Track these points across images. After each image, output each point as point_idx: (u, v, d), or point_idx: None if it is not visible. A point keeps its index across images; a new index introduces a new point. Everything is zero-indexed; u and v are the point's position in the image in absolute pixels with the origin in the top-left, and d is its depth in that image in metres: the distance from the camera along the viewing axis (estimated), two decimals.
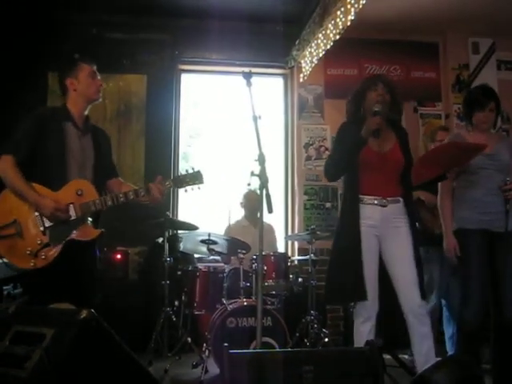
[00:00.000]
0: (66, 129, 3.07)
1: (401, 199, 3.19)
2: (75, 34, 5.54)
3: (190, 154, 6.40)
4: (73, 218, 2.96)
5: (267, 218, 5.03)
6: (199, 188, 3.15)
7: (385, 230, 3.14)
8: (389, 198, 3.14)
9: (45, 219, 2.96)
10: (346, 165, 3.15)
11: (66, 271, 2.91)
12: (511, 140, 3.69)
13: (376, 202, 3.13)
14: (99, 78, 3.20)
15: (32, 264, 2.89)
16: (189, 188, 3.14)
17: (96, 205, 2.98)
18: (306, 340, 4.47)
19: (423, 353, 3.06)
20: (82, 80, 3.13)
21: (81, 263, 3.01)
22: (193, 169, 3.15)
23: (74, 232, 2.97)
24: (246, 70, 2.87)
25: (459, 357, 2.91)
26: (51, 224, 2.96)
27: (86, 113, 3.21)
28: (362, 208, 3.12)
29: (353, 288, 3.06)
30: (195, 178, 3.12)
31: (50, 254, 2.92)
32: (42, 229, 2.95)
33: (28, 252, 2.90)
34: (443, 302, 4.30)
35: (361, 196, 3.14)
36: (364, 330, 3.06)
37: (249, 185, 2.61)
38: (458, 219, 3.42)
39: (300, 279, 4.57)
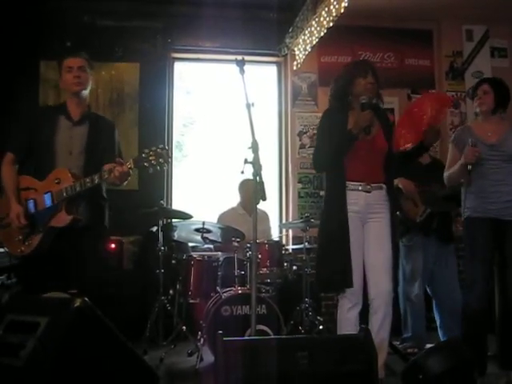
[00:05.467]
0: (58, 122, 3.28)
1: (384, 186, 3.18)
2: (67, 22, 5.49)
3: (183, 143, 6.39)
4: (49, 205, 3.14)
5: (262, 206, 5.05)
6: (165, 167, 3.10)
7: (367, 215, 3.13)
8: (373, 184, 3.13)
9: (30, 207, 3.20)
10: (337, 159, 3.12)
11: (53, 258, 3.12)
12: None
13: (360, 187, 3.11)
14: (79, 66, 3.28)
15: (19, 251, 3.18)
16: (152, 167, 3.05)
17: (67, 191, 3.10)
18: (300, 327, 4.50)
19: (381, 336, 3.03)
20: (62, 76, 3.34)
21: (70, 251, 3.15)
22: (159, 147, 3.09)
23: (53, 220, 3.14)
24: (239, 57, 2.86)
25: (452, 343, 2.93)
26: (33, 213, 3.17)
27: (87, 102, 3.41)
28: (347, 194, 3.10)
29: (340, 276, 3.04)
30: (159, 155, 3.03)
31: (33, 242, 3.15)
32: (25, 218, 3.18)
33: (17, 240, 3.19)
34: (429, 290, 4.33)
35: (346, 182, 3.11)
36: (351, 317, 3.05)
37: (242, 172, 2.60)
38: (466, 208, 3.46)
39: (294, 267, 4.58)
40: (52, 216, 3.14)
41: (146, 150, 3.06)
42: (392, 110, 5.91)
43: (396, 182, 4.04)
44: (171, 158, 3.15)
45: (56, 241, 3.14)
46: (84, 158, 3.25)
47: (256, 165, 2.56)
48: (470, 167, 3.35)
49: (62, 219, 3.13)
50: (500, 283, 3.43)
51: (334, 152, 3.11)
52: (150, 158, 3.03)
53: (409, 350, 4.13)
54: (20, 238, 3.18)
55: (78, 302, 1.89)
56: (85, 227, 3.18)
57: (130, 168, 3.07)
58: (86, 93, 3.37)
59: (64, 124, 3.28)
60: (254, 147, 2.59)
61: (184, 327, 4.26)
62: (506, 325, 3.43)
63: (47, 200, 3.14)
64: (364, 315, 3.13)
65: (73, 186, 3.09)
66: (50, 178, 3.17)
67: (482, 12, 5.71)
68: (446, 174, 3.60)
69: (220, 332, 2.22)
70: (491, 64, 6.04)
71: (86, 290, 2.98)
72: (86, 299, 1.93)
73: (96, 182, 3.09)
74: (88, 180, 3.09)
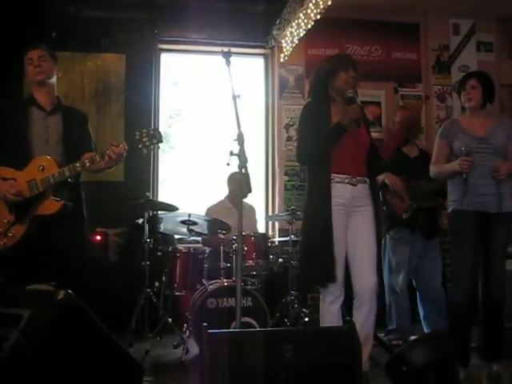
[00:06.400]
0: (30, 113, 3.26)
1: (367, 180, 3.20)
2: (53, 12, 5.42)
3: (170, 134, 6.36)
4: (34, 193, 3.08)
5: (249, 199, 5.05)
6: (159, 147, 3.12)
7: (352, 208, 3.13)
8: (358, 178, 3.14)
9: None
10: (324, 152, 3.12)
11: (39, 249, 3.05)
12: (510, 122, 3.67)
13: (347, 180, 3.11)
14: (38, 56, 3.30)
15: (2, 243, 3.05)
16: (146, 148, 3.08)
17: (55, 178, 3.07)
18: (286, 320, 4.51)
19: (365, 329, 3.05)
20: (25, 71, 3.36)
21: (56, 241, 3.10)
22: (151, 128, 3.14)
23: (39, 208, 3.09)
24: (226, 49, 2.85)
25: (435, 335, 2.95)
26: (16, 202, 3.08)
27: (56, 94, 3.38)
28: (333, 186, 3.09)
29: (323, 270, 3.05)
30: (152, 136, 3.07)
31: (17, 232, 3.06)
32: (7, 208, 3.09)
33: None
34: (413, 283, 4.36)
35: (332, 175, 3.10)
36: (333, 311, 3.05)
37: (228, 165, 2.60)
38: (452, 201, 3.48)
39: (280, 259, 4.59)
40: (38, 204, 3.09)
41: (138, 132, 3.07)
42: (379, 104, 5.93)
43: (383, 177, 4.07)
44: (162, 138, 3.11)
45: (40, 230, 3.09)
46: (62, 146, 3.24)
47: (241, 157, 2.56)
48: (465, 175, 3.37)
49: (51, 206, 3.09)
50: (484, 276, 3.46)
51: (322, 144, 3.11)
52: (144, 139, 3.05)
53: (393, 342, 4.16)
54: (0, 230, 3.09)
55: (61, 295, 1.88)
56: (67, 215, 3.14)
57: (124, 149, 3.07)
58: (51, 82, 3.35)
59: (37, 114, 3.26)
60: (240, 139, 2.59)
61: (170, 319, 4.25)
62: (489, 317, 3.47)
63: (31, 188, 3.08)
64: (348, 308, 3.15)
65: (61, 171, 3.07)
66: (31, 166, 3.11)
67: (469, 6, 5.74)
68: (433, 169, 3.61)
69: (205, 324, 2.22)
70: (477, 58, 6.07)
71: (69, 278, 3.04)
72: (70, 291, 1.92)
73: (87, 165, 3.07)
74: (78, 164, 3.07)
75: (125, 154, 3.12)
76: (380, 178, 4.07)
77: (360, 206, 3.15)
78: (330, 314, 3.06)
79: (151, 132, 3.07)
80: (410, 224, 4.12)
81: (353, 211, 3.14)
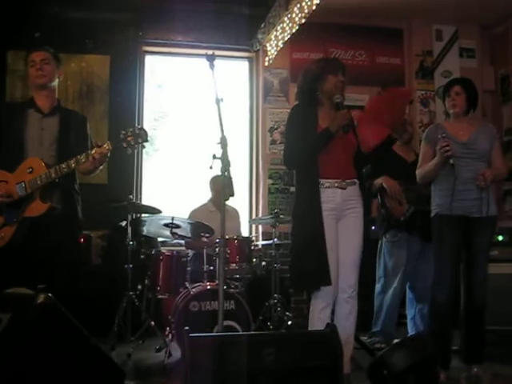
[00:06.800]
0: (27, 115, 3.25)
1: (356, 181, 3.21)
2: (37, 12, 5.39)
3: (155, 137, 6.34)
4: (23, 195, 3.09)
5: (233, 202, 5.05)
6: (143, 146, 3.10)
7: (343, 211, 3.15)
8: (347, 181, 3.15)
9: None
10: (311, 157, 3.12)
11: (29, 251, 3.05)
12: (492, 126, 3.72)
13: (336, 184, 3.13)
14: (41, 59, 3.26)
15: None
16: (130, 147, 3.05)
17: (42, 179, 3.07)
18: (269, 323, 4.51)
19: (346, 330, 3.08)
20: (27, 72, 3.34)
21: (46, 243, 3.09)
22: (137, 127, 3.10)
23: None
24: (210, 52, 2.85)
25: (416, 339, 2.98)
26: (7, 204, 3.08)
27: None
28: (322, 191, 3.10)
29: (317, 274, 3.05)
30: (138, 135, 3.04)
31: (6, 234, 3.06)
32: None
33: None
34: (407, 284, 4.38)
35: (321, 180, 3.11)
36: (323, 317, 3.03)
37: (211, 168, 2.60)
38: (435, 205, 3.50)
39: (264, 263, 4.60)
40: (26, 206, 3.09)
41: (124, 131, 3.05)
42: (362, 108, 5.95)
43: (380, 181, 4.12)
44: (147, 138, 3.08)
45: (29, 232, 3.08)
46: (56, 148, 3.23)
47: (224, 161, 2.56)
48: (451, 161, 3.36)
49: (37, 208, 3.08)
50: (466, 280, 3.49)
51: (309, 150, 3.11)
52: (128, 138, 3.03)
53: (376, 345, 4.17)
54: None
55: (41, 298, 1.87)
56: (59, 218, 3.13)
57: (108, 149, 3.05)
58: (53, 85, 3.34)
59: (34, 117, 3.25)
60: (223, 143, 2.59)
61: (152, 323, 4.23)
62: (470, 320, 3.50)
63: (20, 190, 3.08)
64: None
65: (47, 173, 3.06)
66: (21, 168, 3.12)
67: (451, 13, 5.81)
68: (418, 172, 3.63)
69: (186, 328, 2.22)
70: (460, 64, 6.14)
71: (58, 281, 3.05)
72: (50, 295, 1.90)
73: (72, 166, 3.06)
74: (64, 166, 3.06)
75: (109, 154, 3.10)
76: (378, 181, 4.12)
77: (351, 208, 3.17)
78: (319, 320, 3.03)
79: (136, 131, 3.05)
80: (408, 227, 4.15)
81: (344, 214, 3.16)
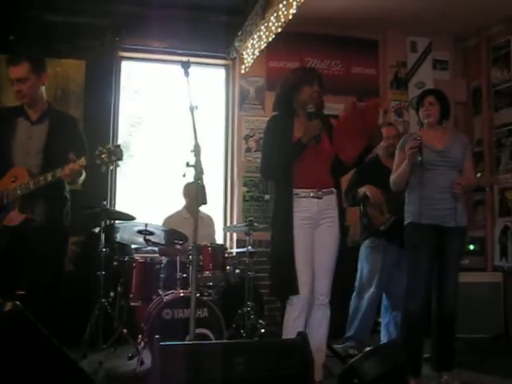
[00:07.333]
0: (16, 123, 3.23)
1: (334, 190, 3.23)
2: (12, 14, 5.32)
3: (130, 143, 6.30)
4: (4, 204, 3.10)
5: (207, 210, 5.04)
6: (118, 165, 3.08)
7: (319, 221, 3.17)
8: (323, 190, 3.17)
9: None
10: (286, 168, 3.14)
11: (5, 259, 3.05)
12: (464, 137, 3.79)
13: (312, 194, 3.14)
14: (17, 78, 3.19)
15: None
16: (105, 165, 3.03)
17: (21, 189, 3.06)
18: (242, 331, 4.50)
19: (318, 337, 3.11)
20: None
21: (26, 253, 3.08)
22: (113, 144, 3.09)
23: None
24: (185, 59, 2.85)
25: (388, 347, 3.00)
26: None
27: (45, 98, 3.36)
28: (298, 201, 3.12)
29: (285, 283, 3.08)
30: (112, 153, 3.00)
31: None
32: None
33: None
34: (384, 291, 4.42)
35: (297, 190, 3.13)
36: (297, 326, 3.00)
37: (184, 176, 2.60)
38: (409, 214, 3.54)
39: (237, 270, 4.59)
40: (6, 214, 3.09)
41: (100, 148, 3.02)
42: (337, 117, 6.00)
43: (364, 189, 4.18)
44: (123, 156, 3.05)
45: (11, 240, 3.08)
46: (42, 157, 3.20)
47: (198, 168, 2.56)
48: (420, 158, 3.39)
49: (14, 218, 3.08)
50: (438, 289, 3.53)
51: (283, 161, 3.13)
52: (103, 155, 2.99)
53: (350, 352, 4.20)
54: None
55: (8, 306, 1.84)
56: (42, 228, 3.12)
57: (81, 166, 3.02)
58: (38, 95, 3.29)
59: (22, 125, 3.23)
60: (196, 151, 2.60)
61: (125, 330, 4.20)
62: (441, 329, 3.54)
63: (2, 199, 3.10)
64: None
65: (27, 183, 3.05)
66: (7, 176, 3.14)
67: (426, 25, 5.91)
68: (391, 178, 3.66)
69: (157, 336, 2.21)
70: (433, 76, 6.24)
71: (37, 291, 3.06)
72: (18, 303, 1.88)
73: (49, 179, 3.03)
74: (42, 178, 3.05)
75: (83, 171, 3.09)
76: (362, 190, 4.18)
77: (328, 217, 3.18)
78: (293, 329, 2.97)
79: (112, 149, 3.01)
80: (388, 235, 4.19)
81: (320, 223, 3.17)
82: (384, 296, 4.38)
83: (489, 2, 5.32)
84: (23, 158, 3.18)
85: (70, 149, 3.20)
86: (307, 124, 3.12)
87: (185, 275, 4.16)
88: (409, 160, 3.44)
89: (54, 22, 5.52)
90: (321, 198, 3.16)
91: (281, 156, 3.13)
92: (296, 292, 3.05)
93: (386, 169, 4.35)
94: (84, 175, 3.20)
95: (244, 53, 5.67)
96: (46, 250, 3.12)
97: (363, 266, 4.37)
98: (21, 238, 3.07)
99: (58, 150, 3.19)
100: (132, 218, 4.46)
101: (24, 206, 3.09)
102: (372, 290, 4.28)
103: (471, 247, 5.79)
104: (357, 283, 4.39)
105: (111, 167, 3.05)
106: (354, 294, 4.39)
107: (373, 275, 4.29)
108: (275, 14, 4.80)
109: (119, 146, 3.05)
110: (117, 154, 3.00)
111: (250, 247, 4.63)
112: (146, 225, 4.25)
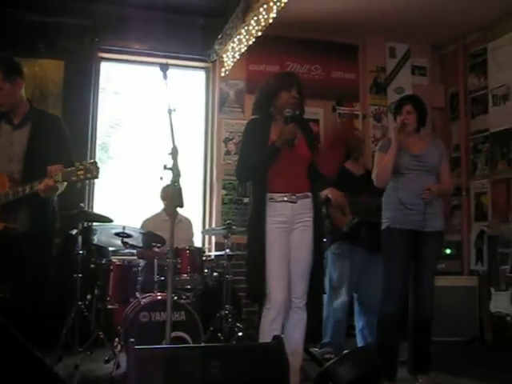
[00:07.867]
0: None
1: (310, 194, 3.22)
2: None
3: (109, 144, 6.27)
4: None
5: (186, 212, 5.03)
6: (93, 182, 3.07)
7: (294, 224, 3.17)
8: (298, 194, 3.16)
9: None
10: (260, 172, 3.15)
11: None
12: (441, 142, 3.84)
13: (286, 198, 3.14)
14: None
15: None
16: (80, 181, 3.00)
17: (1, 199, 3.03)
18: (219, 334, 4.49)
19: (295, 340, 3.11)
20: None
21: (8, 260, 3.05)
22: (89, 161, 3.00)
23: None
24: (164, 61, 2.84)
25: (362, 351, 3.02)
26: None
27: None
28: (272, 205, 3.12)
29: (258, 288, 3.08)
30: (88, 170, 2.93)
31: None
32: None
33: None
34: (354, 296, 4.44)
35: (271, 194, 3.13)
36: (274, 329, 3.00)
37: (161, 178, 2.59)
38: (386, 219, 3.57)
39: (215, 273, 4.58)
40: None
41: (77, 164, 2.96)
42: (317, 121, 6.05)
43: (326, 191, 4.19)
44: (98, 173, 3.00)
45: None
46: (23, 163, 3.15)
47: (175, 171, 2.56)
48: (407, 121, 3.54)
49: None
50: (414, 293, 3.56)
51: (257, 164, 3.14)
52: (79, 172, 2.93)
53: (326, 356, 4.21)
54: None
55: None
56: (26, 235, 3.09)
57: (56, 181, 2.96)
58: (17, 100, 3.23)
59: (4, 129, 3.19)
60: (174, 153, 2.59)
61: (101, 333, 4.16)
62: (417, 333, 3.57)
63: None
64: None
65: (6, 193, 3.02)
66: None
67: (404, 31, 5.98)
68: (374, 173, 3.67)
69: (132, 340, 2.20)
70: (412, 81, 6.32)
71: (19, 295, 3.03)
72: None
73: (27, 191, 2.99)
74: (20, 189, 3.01)
75: (59, 186, 3.03)
76: (324, 192, 4.18)
77: (303, 221, 3.18)
78: (270, 332, 2.97)
79: (88, 165, 2.94)
80: (351, 238, 4.21)
81: (295, 227, 3.17)
82: (356, 301, 4.41)
83: (466, 10, 5.41)
84: (5, 164, 3.14)
85: (52, 152, 3.17)
86: (282, 128, 3.13)
87: (162, 278, 4.14)
88: (398, 132, 3.53)
89: (32, 21, 5.47)
90: (295, 202, 3.16)
91: (256, 159, 3.13)
92: (264, 296, 3.06)
93: (347, 172, 4.41)
94: (64, 186, 3.13)
95: (224, 56, 5.67)
96: (31, 257, 3.09)
97: (331, 273, 4.36)
98: (7, 242, 3.04)
99: (40, 154, 3.16)
100: (110, 221, 4.42)
101: (5, 213, 3.05)
102: (342, 296, 4.30)
103: (448, 251, 5.86)
104: (327, 290, 4.38)
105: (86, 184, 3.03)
106: (326, 301, 4.37)
107: (342, 282, 4.31)
108: (256, 18, 4.82)
109: (96, 162, 2.97)
110: (92, 172, 2.92)
111: (228, 250, 4.63)
112: (124, 227, 4.23)
